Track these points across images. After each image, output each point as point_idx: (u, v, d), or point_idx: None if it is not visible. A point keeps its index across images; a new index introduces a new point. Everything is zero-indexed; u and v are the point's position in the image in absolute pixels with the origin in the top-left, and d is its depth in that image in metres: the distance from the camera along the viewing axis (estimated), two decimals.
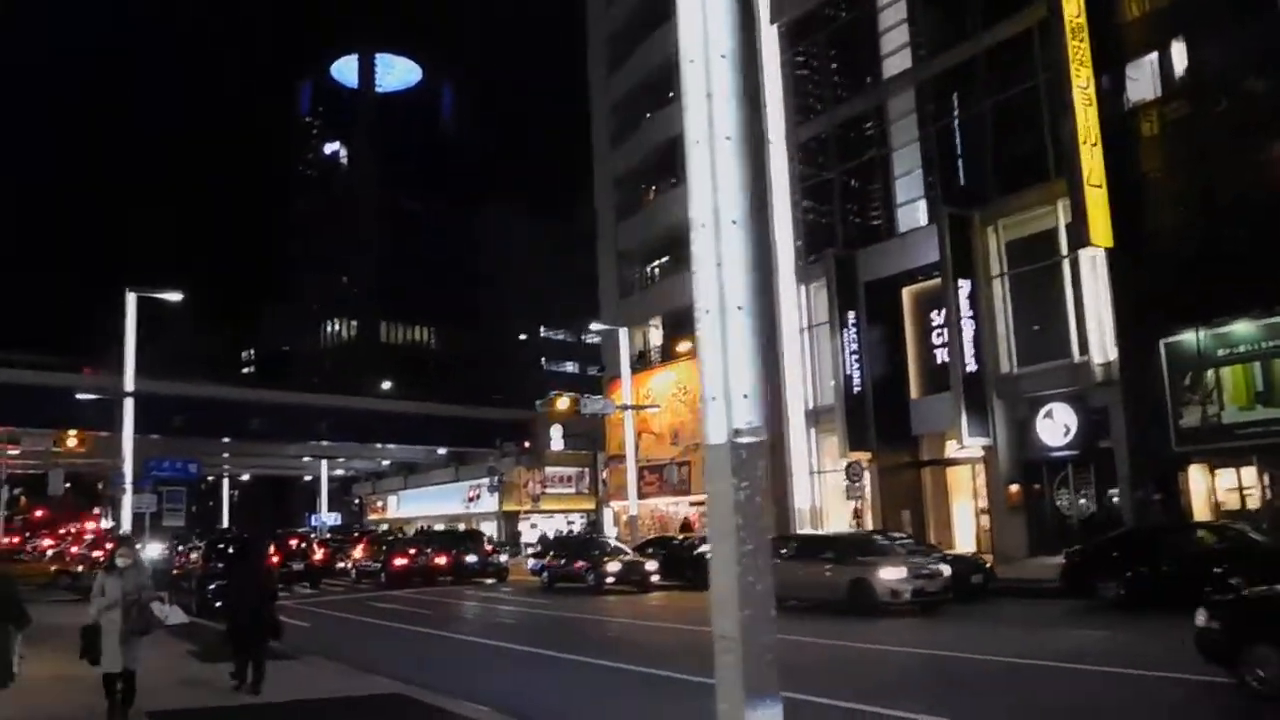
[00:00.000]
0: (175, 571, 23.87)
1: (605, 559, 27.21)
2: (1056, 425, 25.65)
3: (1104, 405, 24.28)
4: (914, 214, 30.29)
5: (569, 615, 20.66)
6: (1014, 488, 26.64)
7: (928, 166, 29.51)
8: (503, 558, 34.73)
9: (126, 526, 24.95)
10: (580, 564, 27.69)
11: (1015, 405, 26.74)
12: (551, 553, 31.19)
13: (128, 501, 24.41)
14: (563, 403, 36.67)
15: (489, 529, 52.17)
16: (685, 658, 12.70)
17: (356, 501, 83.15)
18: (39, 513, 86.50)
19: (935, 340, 29.37)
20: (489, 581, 32.30)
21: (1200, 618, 9.98)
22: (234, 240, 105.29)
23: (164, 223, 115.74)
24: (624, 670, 12.43)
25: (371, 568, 34.08)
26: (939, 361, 29.10)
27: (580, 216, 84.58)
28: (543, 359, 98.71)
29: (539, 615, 21.35)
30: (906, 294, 30.53)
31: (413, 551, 33.33)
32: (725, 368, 4.90)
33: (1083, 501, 25.57)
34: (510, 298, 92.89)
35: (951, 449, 29.56)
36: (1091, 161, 23.22)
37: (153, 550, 10.69)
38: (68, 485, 65.25)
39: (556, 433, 49.62)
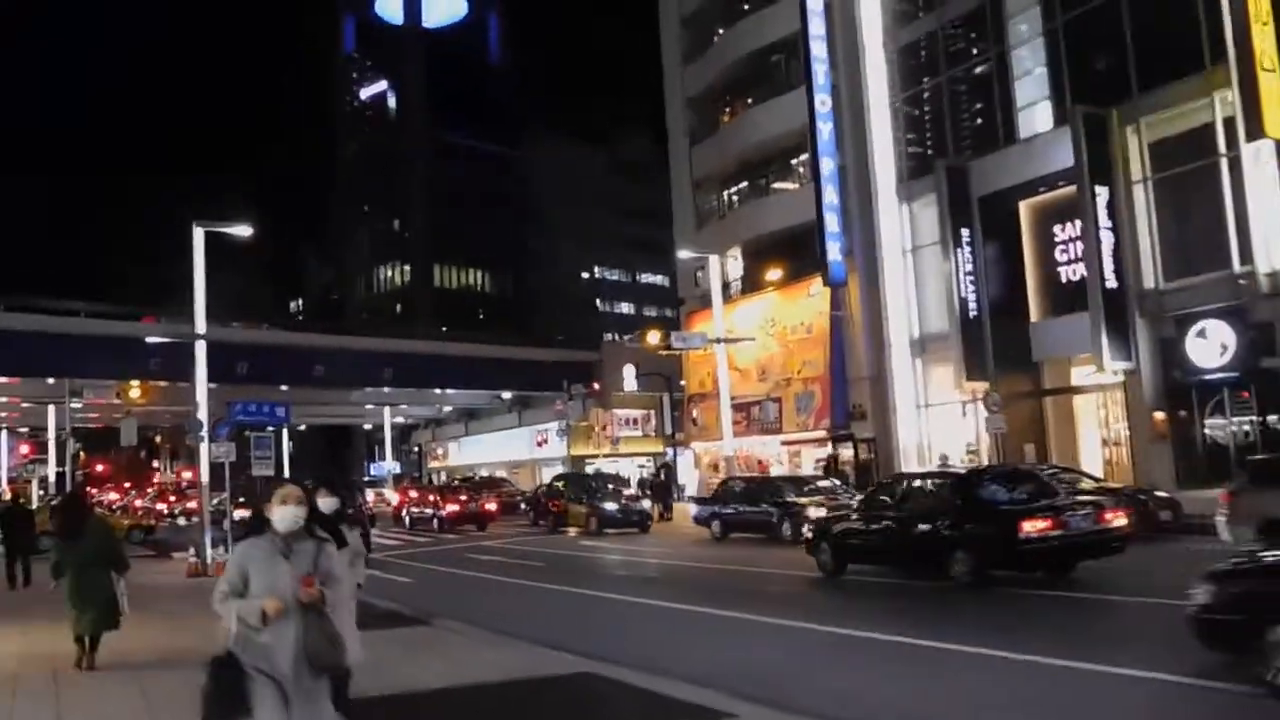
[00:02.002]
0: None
1: (807, 504, 22.04)
2: (1211, 344, 23.07)
3: (1270, 320, 21.75)
4: (1033, 119, 27.71)
5: (760, 570, 17.29)
6: (1159, 415, 24.26)
7: (1054, 63, 26.76)
8: (645, 504, 31.11)
9: (205, 479, 23.48)
10: (771, 510, 23.15)
11: (1160, 324, 24.21)
12: (724, 498, 25.89)
13: (204, 450, 22.83)
14: (653, 337, 34.50)
15: (551, 475, 50.13)
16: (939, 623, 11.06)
17: (415, 449, 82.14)
18: (99, 467, 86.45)
19: (1060, 257, 26.90)
20: (611, 532, 28.37)
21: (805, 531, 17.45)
22: (281, 186, 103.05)
23: (207, 168, 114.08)
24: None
25: (425, 514, 35.71)
26: (1064, 280, 26.70)
27: (638, 149, 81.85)
28: (597, 299, 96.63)
29: (717, 572, 17.87)
30: (1024, 207, 28.06)
31: (464, 498, 35.48)
32: None
33: (1241, 428, 23.16)
34: (564, 237, 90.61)
35: (1077, 376, 27.26)
36: (1264, 42, 20.50)
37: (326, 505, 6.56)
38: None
39: (629, 373, 47.54)
